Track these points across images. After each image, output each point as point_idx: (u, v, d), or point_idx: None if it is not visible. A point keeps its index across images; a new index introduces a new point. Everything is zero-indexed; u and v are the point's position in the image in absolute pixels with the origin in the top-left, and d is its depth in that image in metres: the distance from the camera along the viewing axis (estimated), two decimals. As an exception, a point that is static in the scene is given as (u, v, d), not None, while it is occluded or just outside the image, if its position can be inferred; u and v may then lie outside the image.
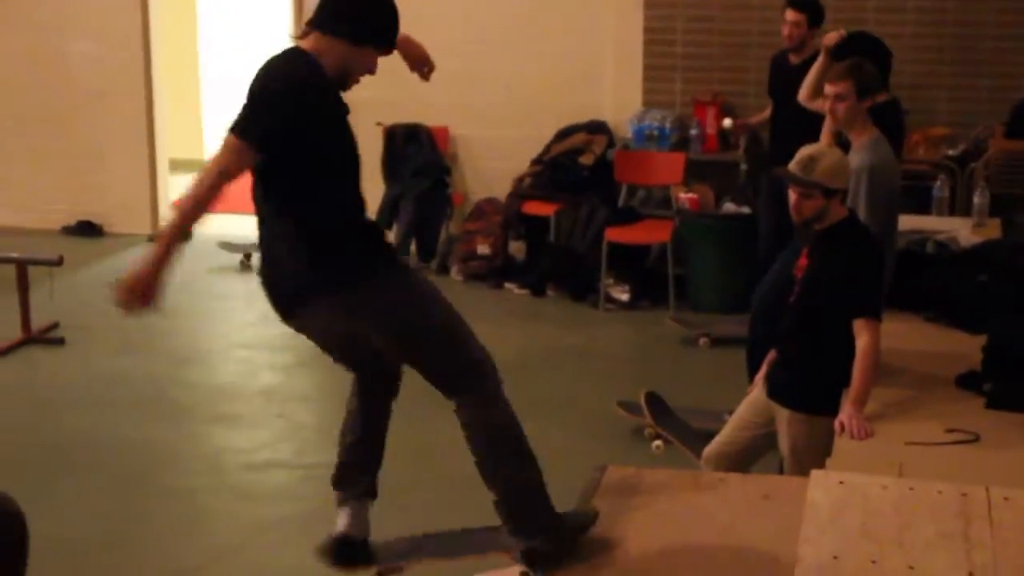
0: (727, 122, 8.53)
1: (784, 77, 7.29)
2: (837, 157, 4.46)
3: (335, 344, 3.97)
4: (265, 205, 3.71)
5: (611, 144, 9.14)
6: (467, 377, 3.76)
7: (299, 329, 3.88)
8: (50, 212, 10.16)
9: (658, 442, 6.02)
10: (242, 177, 3.58)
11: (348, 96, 3.69)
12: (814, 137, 5.43)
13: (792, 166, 4.38)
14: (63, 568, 4.90)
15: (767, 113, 7.87)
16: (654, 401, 6.05)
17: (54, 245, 8.95)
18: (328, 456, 6.24)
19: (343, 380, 7.29)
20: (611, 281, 8.57)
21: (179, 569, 5.08)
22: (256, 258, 9.31)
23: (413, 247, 9.36)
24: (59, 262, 7.86)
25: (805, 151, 4.42)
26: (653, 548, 3.64)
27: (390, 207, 9.35)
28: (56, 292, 7.91)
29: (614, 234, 8.56)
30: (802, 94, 6.57)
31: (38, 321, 7.78)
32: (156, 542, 5.32)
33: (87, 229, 10.14)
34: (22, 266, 7.76)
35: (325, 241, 3.65)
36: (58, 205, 10.17)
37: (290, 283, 3.69)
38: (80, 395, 6.98)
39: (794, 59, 7.32)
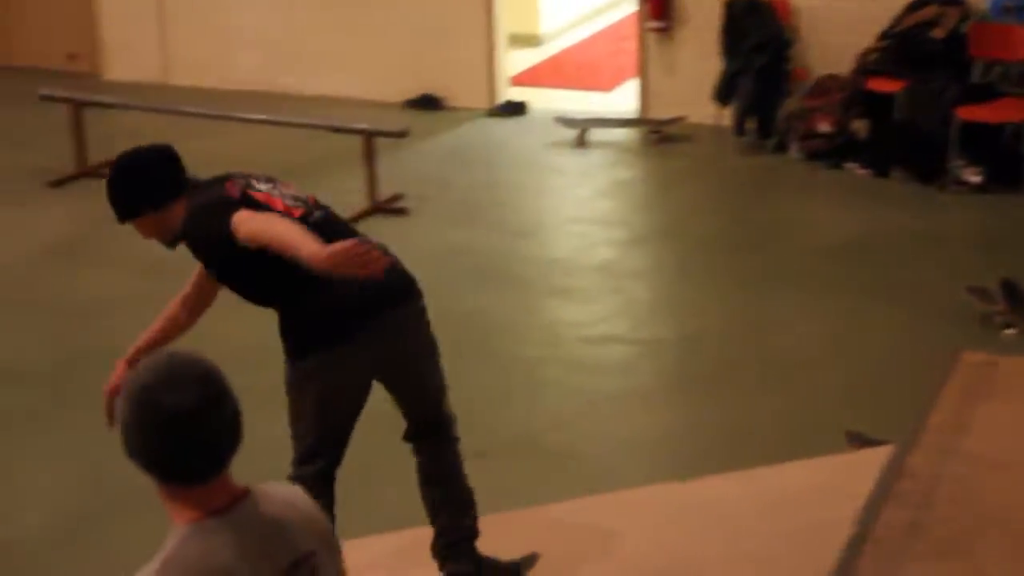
0: None
1: None
2: None
3: (370, 380, 3.96)
4: None
5: (965, 17, 8.64)
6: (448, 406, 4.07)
7: (374, 339, 3.90)
8: (394, 85, 10.41)
9: (1011, 329, 5.73)
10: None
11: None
12: None
13: None
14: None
15: None
16: (1010, 287, 5.76)
17: (398, 118, 9.18)
18: (664, 332, 6.28)
19: (679, 257, 7.33)
20: (962, 162, 8.14)
21: (521, 434, 5.21)
22: (591, 134, 9.31)
23: (751, 124, 9.15)
24: (404, 134, 8.07)
25: None
26: (1008, 436, 3.45)
27: (728, 83, 9.15)
28: (399, 163, 8.11)
29: (966, 112, 8.11)
30: None
31: (383, 191, 8.03)
32: (496, 408, 5.45)
33: (429, 102, 10.34)
34: (369, 137, 8.00)
35: None
36: (402, 79, 10.41)
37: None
38: (422, 263, 7.08)
39: None
